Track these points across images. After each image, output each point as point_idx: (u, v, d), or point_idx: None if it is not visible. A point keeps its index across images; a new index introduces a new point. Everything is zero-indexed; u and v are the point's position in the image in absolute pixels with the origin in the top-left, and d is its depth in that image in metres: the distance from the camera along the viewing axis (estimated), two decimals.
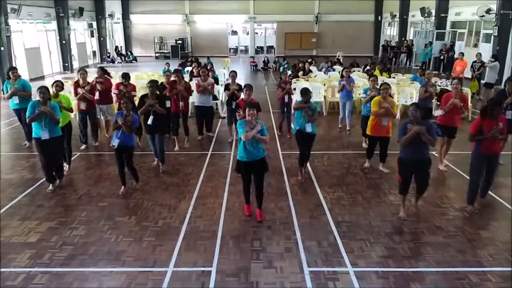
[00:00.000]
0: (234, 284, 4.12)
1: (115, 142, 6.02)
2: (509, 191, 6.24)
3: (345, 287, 4.06)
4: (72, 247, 4.73)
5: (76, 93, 8.14)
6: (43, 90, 6.04)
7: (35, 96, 6.42)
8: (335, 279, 4.18)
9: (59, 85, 7.03)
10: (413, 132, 5.09)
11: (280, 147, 8.46)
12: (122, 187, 6.28)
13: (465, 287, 4.06)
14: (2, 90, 8.47)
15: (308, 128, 6.52)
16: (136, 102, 7.19)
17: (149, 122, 6.78)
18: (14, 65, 16.42)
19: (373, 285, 4.09)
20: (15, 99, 8.25)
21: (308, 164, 7.22)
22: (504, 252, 4.65)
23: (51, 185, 6.34)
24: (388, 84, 7.09)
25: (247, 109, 5.17)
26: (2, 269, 4.32)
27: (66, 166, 7.12)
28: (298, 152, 6.84)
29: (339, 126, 9.98)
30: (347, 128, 9.74)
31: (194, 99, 9.15)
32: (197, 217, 5.47)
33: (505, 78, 15.25)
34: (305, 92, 6.55)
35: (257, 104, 5.61)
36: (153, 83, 6.94)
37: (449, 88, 10.85)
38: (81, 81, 8.15)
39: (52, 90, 6.78)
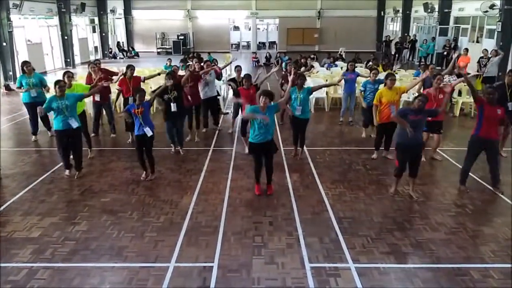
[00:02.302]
0: (236, 280, 4.12)
1: (148, 132, 6.29)
2: (509, 187, 6.22)
3: (346, 283, 4.06)
4: (74, 243, 4.75)
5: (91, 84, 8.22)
6: (62, 84, 6.34)
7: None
8: (337, 275, 4.18)
9: (70, 76, 7.35)
10: (404, 125, 5.52)
11: (282, 143, 8.44)
12: (144, 172, 6.58)
13: (467, 283, 4.05)
14: (17, 84, 8.51)
15: (298, 111, 7.11)
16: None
17: (173, 109, 7.29)
18: (16, 61, 16.50)
19: (374, 281, 4.09)
20: (33, 92, 8.32)
21: (306, 152, 7.46)
22: (506, 249, 4.64)
23: (68, 170, 6.68)
24: (394, 75, 7.30)
25: (261, 97, 5.59)
26: (5, 264, 4.34)
27: (89, 151, 7.60)
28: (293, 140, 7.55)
29: (340, 119, 10.02)
30: (350, 120, 9.87)
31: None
32: (198, 213, 5.48)
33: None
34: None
35: (271, 93, 5.76)
36: (171, 74, 7.47)
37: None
38: (93, 74, 8.30)
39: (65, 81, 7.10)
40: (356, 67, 11.53)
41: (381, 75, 9.08)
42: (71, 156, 6.70)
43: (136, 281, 4.09)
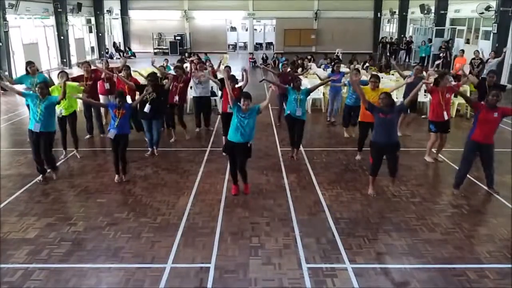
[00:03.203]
0: (233, 280, 4.12)
1: (111, 134, 6.27)
2: (506, 188, 6.25)
3: (343, 284, 4.06)
4: (71, 243, 4.73)
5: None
6: (42, 86, 6.25)
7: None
8: (334, 275, 4.19)
9: (63, 75, 7.26)
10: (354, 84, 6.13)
11: (279, 143, 8.45)
12: (116, 175, 6.50)
13: (463, 283, 4.07)
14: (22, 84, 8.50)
15: (298, 112, 7.17)
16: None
17: (145, 109, 7.20)
18: (12, 61, 16.42)
19: (371, 282, 4.10)
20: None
21: (303, 153, 7.53)
22: (502, 249, 4.66)
23: (41, 175, 6.55)
24: (378, 77, 7.40)
25: (242, 100, 5.60)
26: (0, 265, 4.31)
27: (74, 151, 7.61)
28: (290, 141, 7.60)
29: (328, 119, 10.17)
30: (333, 120, 10.02)
31: (192, 93, 9.24)
32: (195, 214, 5.47)
33: (503, 75, 15.33)
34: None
35: (249, 94, 5.76)
36: (152, 76, 7.35)
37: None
38: (85, 74, 8.42)
39: (58, 81, 7.28)
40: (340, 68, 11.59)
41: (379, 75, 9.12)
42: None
43: (133, 282, 4.08)
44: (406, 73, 9.57)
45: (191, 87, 9.56)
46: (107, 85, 8.83)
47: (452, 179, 6.29)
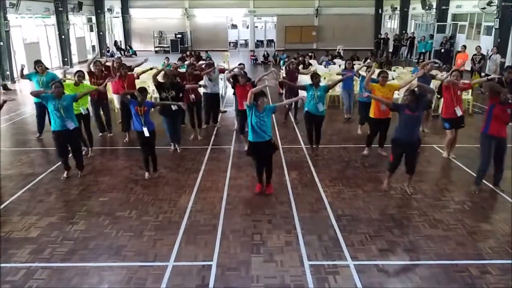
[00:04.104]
0: (235, 278, 4.13)
1: (146, 133, 6.30)
2: (507, 183, 6.23)
3: (345, 281, 4.06)
4: (73, 242, 4.74)
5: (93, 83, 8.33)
6: (58, 84, 6.32)
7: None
8: (335, 272, 4.19)
9: (81, 75, 7.53)
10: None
11: (280, 141, 8.44)
12: (147, 173, 6.58)
13: (465, 279, 4.06)
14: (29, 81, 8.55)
15: (320, 107, 7.23)
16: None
17: (173, 108, 7.26)
18: (13, 60, 16.44)
19: (373, 279, 4.10)
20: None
21: (305, 150, 7.50)
22: (504, 245, 4.65)
23: (66, 172, 6.61)
24: (387, 72, 7.38)
25: (259, 98, 5.56)
26: (3, 265, 4.33)
27: (89, 150, 7.63)
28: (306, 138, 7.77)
29: (345, 116, 10.17)
30: (349, 117, 10.06)
31: (202, 89, 9.20)
32: (197, 211, 5.47)
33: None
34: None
35: (264, 92, 5.83)
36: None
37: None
38: (96, 72, 8.42)
39: (74, 79, 7.48)
40: (354, 64, 11.59)
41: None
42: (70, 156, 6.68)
43: (135, 280, 4.09)
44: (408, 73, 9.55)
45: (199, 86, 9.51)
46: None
47: (455, 175, 6.28)
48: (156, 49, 29.69)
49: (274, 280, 4.08)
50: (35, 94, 6.79)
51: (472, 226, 5.08)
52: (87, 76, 8.23)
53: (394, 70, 13.46)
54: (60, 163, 6.75)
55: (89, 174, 6.81)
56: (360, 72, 9.38)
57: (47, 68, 8.61)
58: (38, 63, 8.39)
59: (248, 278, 4.12)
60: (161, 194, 6.02)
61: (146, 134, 6.32)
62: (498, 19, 15.61)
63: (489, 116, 5.80)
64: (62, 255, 4.50)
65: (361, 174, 6.74)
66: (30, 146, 8.32)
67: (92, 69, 8.42)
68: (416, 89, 6.55)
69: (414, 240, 4.77)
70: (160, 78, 7.69)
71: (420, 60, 20.08)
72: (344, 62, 13.15)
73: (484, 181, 6.24)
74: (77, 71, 7.61)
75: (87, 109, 7.71)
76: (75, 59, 22.78)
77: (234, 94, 8.36)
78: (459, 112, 6.99)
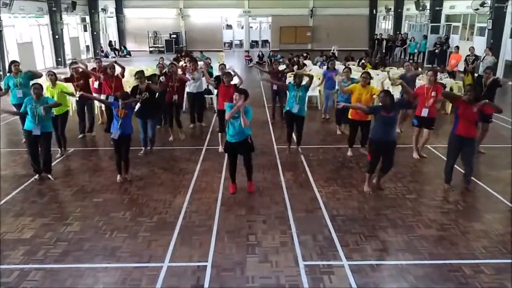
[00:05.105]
0: (230, 278, 4.12)
1: (115, 134, 6.22)
2: (501, 184, 6.29)
3: (340, 281, 4.07)
4: (67, 243, 4.71)
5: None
6: (37, 86, 6.27)
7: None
8: (330, 272, 4.20)
9: (52, 74, 7.46)
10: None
11: (275, 141, 8.45)
12: (119, 175, 6.46)
13: (459, 279, 4.09)
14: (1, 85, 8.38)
15: (294, 109, 7.25)
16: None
17: (136, 109, 7.09)
18: (6, 60, 16.29)
19: (368, 278, 4.11)
20: (18, 93, 8.06)
21: (301, 153, 7.59)
22: (497, 244, 4.69)
23: (37, 175, 6.54)
24: (369, 74, 7.44)
25: (235, 94, 5.64)
26: None
27: (59, 152, 7.55)
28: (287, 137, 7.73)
29: (323, 117, 10.35)
30: (328, 117, 10.19)
31: (186, 88, 9.24)
32: (192, 212, 5.46)
33: (498, 72, 15.38)
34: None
35: (246, 91, 5.78)
36: (140, 73, 7.43)
37: (443, 81, 10.92)
38: (74, 75, 8.37)
39: (48, 82, 7.43)
40: (349, 65, 11.64)
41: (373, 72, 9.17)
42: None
43: (130, 281, 4.07)
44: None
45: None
46: (96, 84, 8.84)
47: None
48: (151, 49, 29.59)
49: (269, 280, 4.09)
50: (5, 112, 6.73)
51: (465, 226, 5.11)
52: (61, 77, 8.21)
53: (388, 71, 13.51)
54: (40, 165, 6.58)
55: (83, 174, 6.78)
56: (335, 78, 9.36)
57: (21, 70, 8.29)
58: (13, 63, 8.15)
59: (243, 278, 4.12)
60: (156, 195, 6.01)
61: (115, 136, 6.22)
62: (491, 20, 15.73)
63: (456, 117, 5.92)
64: (56, 256, 4.47)
65: (356, 174, 6.77)
66: (23, 147, 8.24)
67: (71, 72, 8.43)
68: (390, 89, 6.65)
69: (409, 240, 4.79)
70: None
71: (410, 61, 20.18)
72: (338, 62, 13.21)
73: (476, 180, 6.30)
74: (48, 72, 7.56)
75: (67, 111, 7.66)
76: (68, 59, 22.64)
77: (217, 95, 8.40)
78: (425, 113, 7.07)
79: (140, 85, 7.36)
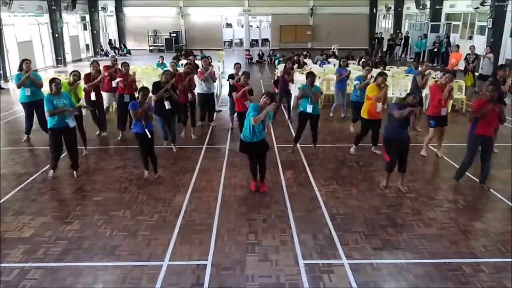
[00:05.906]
0: (230, 277, 4.12)
1: (148, 133, 6.24)
2: (500, 182, 6.29)
3: (340, 280, 4.08)
4: (67, 242, 4.71)
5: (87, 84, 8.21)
6: (58, 81, 6.33)
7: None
8: (330, 271, 4.20)
9: (77, 75, 7.59)
10: (409, 111, 5.64)
11: (275, 140, 8.45)
12: (146, 171, 6.51)
13: (459, 278, 4.09)
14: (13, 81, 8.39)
15: (308, 109, 7.29)
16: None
17: (167, 107, 7.33)
18: (6, 59, 16.30)
19: (367, 277, 4.11)
20: (27, 91, 8.05)
21: (300, 149, 7.66)
22: (497, 243, 4.69)
23: (52, 171, 6.55)
24: (386, 73, 7.40)
25: (263, 96, 5.65)
26: None
27: (84, 149, 7.58)
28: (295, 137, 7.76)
29: (330, 115, 10.40)
30: (343, 115, 10.25)
31: (196, 89, 9.19)
32: (192, 211, 5.46)
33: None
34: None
35: (274, 94, 5.96)
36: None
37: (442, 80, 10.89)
38: (93, 72, 8.28)
39: (69, 79, 7.55)
40: (349, 64, 11.64)
41: (374, 71, 9.17)
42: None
43: (130, 280, 4.07)
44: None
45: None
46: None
47: (449, 174, 6.33)
48: (151, 48, 29.60)
49: (269, 279, 4.09)
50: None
51: (465, 224, 5.12)
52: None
53: (388, 70, 13.51)
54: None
55: (83, 173, 6.77)
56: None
57: (31, 68, 8.27)
58: (25, 60, 8.14)
59: (243, 277, 4.12)
60: (156, 193, 6.00)
61: (150, 134, 6.24)
62: (491, 19, 15.72)
63: (475, 118, 5.89)
64: (56, 255, 4.47)
65: (356, 173, 6.77)
66: (23, 145, 8.25)
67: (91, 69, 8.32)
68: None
69: (408, 238, 4.79)
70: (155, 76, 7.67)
71: (415, 60, 20.17)
72: (338, 61, 13.19)
73: (476, 179, 6.30)
74: (73, 71, 7.62)
75: (80, 108, 7.59)
76: (68, 58, 22.64)
77: (229, 95, 8.36)
78: (444, 112, 7.13)
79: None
